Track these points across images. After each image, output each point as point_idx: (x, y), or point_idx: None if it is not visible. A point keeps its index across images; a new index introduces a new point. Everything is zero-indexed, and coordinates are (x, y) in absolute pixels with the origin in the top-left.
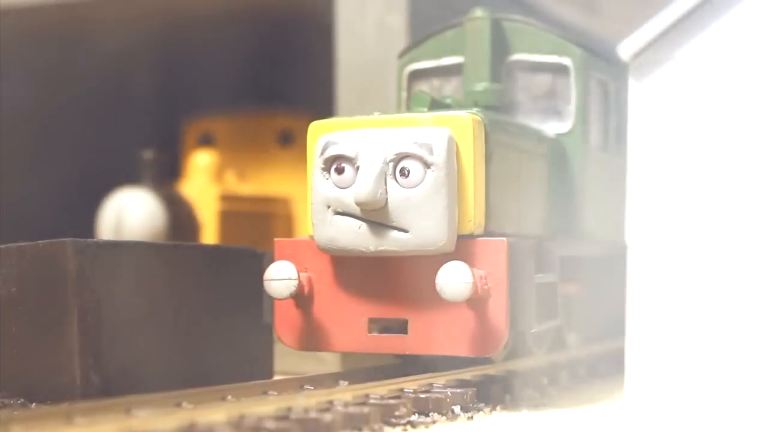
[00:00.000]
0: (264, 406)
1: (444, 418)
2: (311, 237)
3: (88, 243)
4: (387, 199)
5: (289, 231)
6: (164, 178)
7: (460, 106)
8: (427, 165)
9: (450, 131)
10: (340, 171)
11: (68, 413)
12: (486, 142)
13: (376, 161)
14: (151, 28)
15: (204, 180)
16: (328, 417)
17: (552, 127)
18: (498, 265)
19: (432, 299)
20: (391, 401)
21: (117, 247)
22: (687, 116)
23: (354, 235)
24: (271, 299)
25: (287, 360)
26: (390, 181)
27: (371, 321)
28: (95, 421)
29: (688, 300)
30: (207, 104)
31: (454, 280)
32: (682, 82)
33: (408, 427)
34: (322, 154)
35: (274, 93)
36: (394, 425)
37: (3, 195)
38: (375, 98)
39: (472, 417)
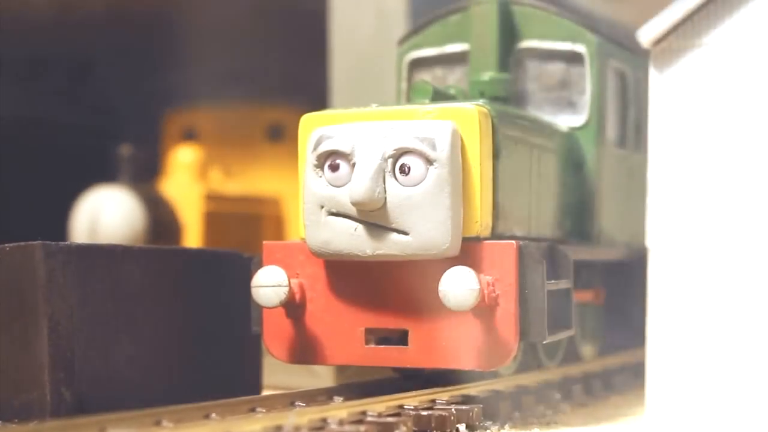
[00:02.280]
0: (251, 425)
1: None
2: (303, 240)
3: (60, 246)
4: (385, 198)
5: (278, 233)
6: (143, 175)
7: (465, 97)
8: (429, 161)
9: (454, 124)
10: (334, 168)
11: None
12: (493, 136)
13: (374, 157)
14: (130, 13)
15: (186, 178)
16: None
17: (565, 121)
18: (506, 270)
19: (434, 308)
20: (390, 419)
21: (91, 250)
22: (714, 109)
23: (349, 238)
24: (260, 307)
25: (277, 374)
26: (389, 178)
27: (368, 331)
28: None
29: (715, 308)
30: (190, 96)
31: (458, 286)
32: (709, 72)
33: None
34: (314, 149)
35: (263, 83)
36: None
37: None
38: (372, 89)
39: None
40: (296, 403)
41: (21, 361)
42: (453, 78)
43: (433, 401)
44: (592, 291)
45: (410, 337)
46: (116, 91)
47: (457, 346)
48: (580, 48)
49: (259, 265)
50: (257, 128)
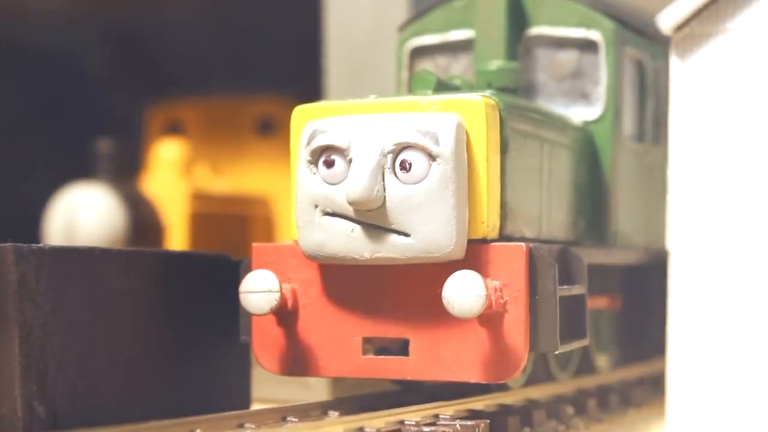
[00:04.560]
0: None
1: None
2: (296, 242)
3: (33, 249)
4: (385, 197)
5: (269, 235)
6: (123, 172)
7: (471, 87)
8: (431, 157)
9: (459, 117)
10: (329, 164)
11: None
12: (501, 130)
13: (372, 153)
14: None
15: (170, 175)
16: None
17: (579, 113)
18: (515, 274)
19: (437, 315)
20: None
21: (67, 253)
22: (741, 101)
23: (346, 240)
24: (249, 315)
25: (267, 386)
26: (388, 176)
27: (366, 341)
28: None
29: (742, 317)
30: (173, 86)
31: (463, 292)
32: (735, 60)
33: None
34: (308, 144)
35: (252, 73)
36: None
37: None
38: (370, 79)
39: None
40: (288, 419)
41: None
42: (457, 67)
43: (436, 416)
44: (607, 297)
45: (411, 347)
46: (94, 81)
47: (462, 356)
48: (594, 35)
49: (248, 269)
50: (246, 121)
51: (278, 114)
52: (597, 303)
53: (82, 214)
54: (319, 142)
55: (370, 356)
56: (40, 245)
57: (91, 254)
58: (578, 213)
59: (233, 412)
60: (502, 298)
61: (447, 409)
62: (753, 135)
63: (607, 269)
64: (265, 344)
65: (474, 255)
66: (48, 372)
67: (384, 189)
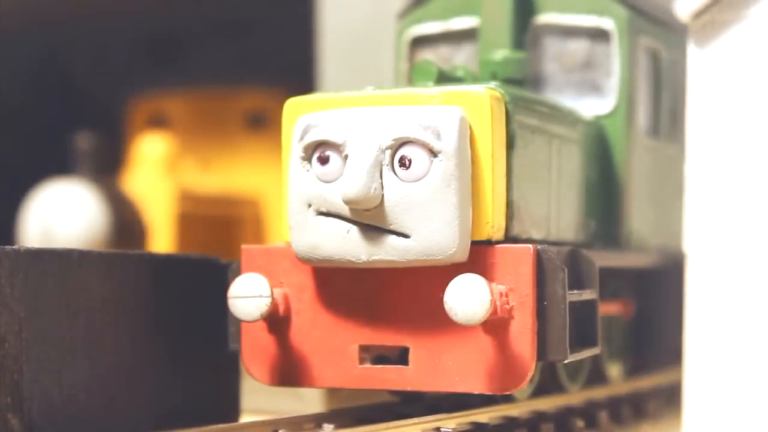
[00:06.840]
0: None
1: None
2: (288, 243)
3: (6, 251)
4: (383, 196)
5: (259, 236)
6: (104, 169)
7: (475, 79)
8: (433, 153)
9: (462, 111)
10: (323, 161)
11: None
12: (507, 124)
13: (369, 148)
14: None
15: (155, 172)
16: None
17: (590, 107)
18: (522, 278)
19: (439, 322)
20: None
21: (43, 255)
22: (763, 93)
23: (341, 241)
24: (238, 321)
25: (257, 397)
26: (387, 173)
27: (363, 349)
28: None
29: (762, 322)
30: (158, 77)
31: (466, 297)
32: (757, 50)
33: None
34: (301, 139)
35: (242, 63)
36: None
37: None
38: (367, 69)
39: None
40: (280, 431)
41: None
42: (460, 57)
43: (438, 430)
44: (620, 303)
45: (411, 356)
46: (74, 72)
47: (465, 366)
48: (606, 23)
49: (237, 273)
50: (235, 115)
51: (269, 107)
52: (609, 309)
53: (60, 214)
54: (313, 137)
55: (367, 365)
56: (14, 247)
57: (69, 257)
58: (589, 213)
59: (222, 425)
60: (508, 304)
61: (449, 422)
62: None
63: (619, 273)
64: (256, 352)
65: (478, 258)
66: (23, 382)
67: (382, 187)
